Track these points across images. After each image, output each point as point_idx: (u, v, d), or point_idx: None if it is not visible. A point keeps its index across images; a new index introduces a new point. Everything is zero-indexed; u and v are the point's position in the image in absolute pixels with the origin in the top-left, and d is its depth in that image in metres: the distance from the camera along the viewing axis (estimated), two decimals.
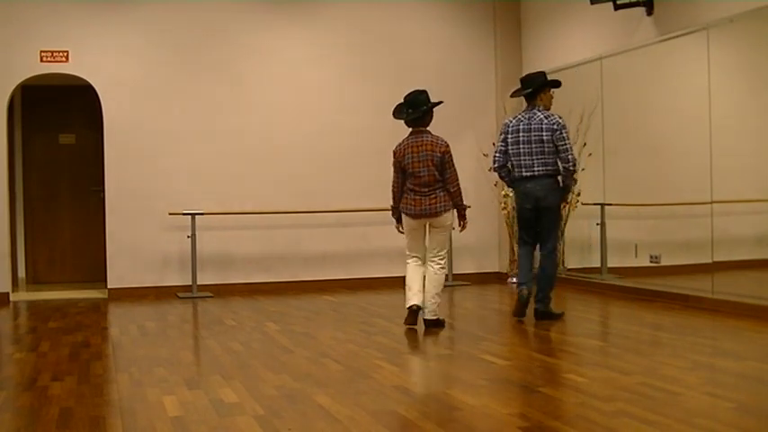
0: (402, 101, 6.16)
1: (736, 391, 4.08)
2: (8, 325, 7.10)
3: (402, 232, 6.26)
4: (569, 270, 8.70)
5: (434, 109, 6.20)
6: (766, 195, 6.47)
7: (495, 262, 9.57)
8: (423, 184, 6.02)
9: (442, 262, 6.16)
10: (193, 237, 8.40)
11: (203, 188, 8.73)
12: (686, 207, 7.34)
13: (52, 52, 8.40)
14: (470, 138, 9.34)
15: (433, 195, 6.01)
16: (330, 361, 4.97)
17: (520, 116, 6.42)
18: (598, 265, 8.32)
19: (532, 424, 3.52)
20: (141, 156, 8.62)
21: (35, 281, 9.80)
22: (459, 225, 6.31)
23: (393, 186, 6.22)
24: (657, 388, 4.07)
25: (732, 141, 6.81)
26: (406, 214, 6.12)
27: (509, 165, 6.46)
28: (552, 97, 6.52)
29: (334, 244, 9.13)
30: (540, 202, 6.32)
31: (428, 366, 5.12)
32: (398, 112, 6.16)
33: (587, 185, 8.32)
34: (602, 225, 8.25)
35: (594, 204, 8.28)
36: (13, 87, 8.43)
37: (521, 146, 6.32)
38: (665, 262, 7.52)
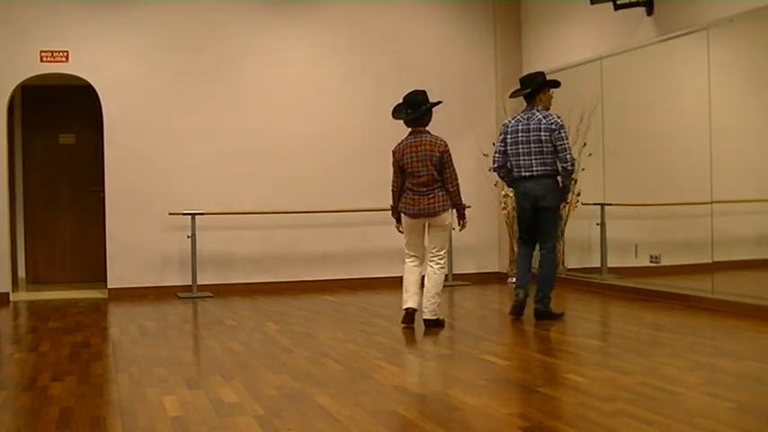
0: (401, 101, 6.17)
1: (736, 391, 4.08)
2: (8, 325, 7.10)
3: (402, 232, 6.27)
4: (569, 270, 8.70)
5: (434, 109, 6.22)
6: (766, 195, 6.47)
7: (495, 262, 9.57)
8: (421, 183, 6.03)
9: (442, 262, 6.16)
10: (193, 237, 8.40)
11: (203, 188, 8.74)
12: (686, 207, 7.34)
13: (52, 52, 8.40)
14: (470, 138, 9.34)
15: (432, 195, 6.01)
16: (330, 361, 4.97)
17: (519, 116, 6.44)
18: (598, 265, 8.32)
19: (532, 424, 3.52)
20: (141, 156, 8.62)
21: (35, 281, 9.80)
22: (459, 225, 6.31)
23: (392, 186, 6.24)
24: (657, 388, 4.07)
25: (732, 141, 6.81)
26: (405, 214, 6.13)
27: (508, 165, 6.47)
28: (552, 97, 6.53)
29: (334, 244, 9.13)
30: (538, 201, 6.33)
31: (428, 366, 5.12)
32: (397, 112, 6.18)
33: (587, 185, 8.32)
34: (602, 225, 8.25)
35: (594, 204, 8.28)
36: (13, 87, 8.44)
37: (520, 146, 6.33)
38: (665, 262, 7.52)
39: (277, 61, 9.03)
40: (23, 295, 8.87)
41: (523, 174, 6.35)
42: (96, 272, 9.43)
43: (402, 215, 6.19)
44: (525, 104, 6.48)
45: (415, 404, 4.00)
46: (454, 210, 6.17)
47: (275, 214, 8.86)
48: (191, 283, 8.46)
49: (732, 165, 6.77)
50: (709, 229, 6.89)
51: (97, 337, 6.12)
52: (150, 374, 4.68)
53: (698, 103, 6.95)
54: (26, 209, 9.78)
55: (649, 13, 7.42)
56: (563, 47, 8.84)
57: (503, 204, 9.09)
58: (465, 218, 6.28)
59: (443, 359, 5.28)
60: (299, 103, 9.05)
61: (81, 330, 6.39)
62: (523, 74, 8.82)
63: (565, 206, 8.12)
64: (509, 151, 6.43)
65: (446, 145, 6.03)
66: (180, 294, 8.49)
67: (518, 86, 6.63)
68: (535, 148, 6.27)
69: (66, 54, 8.43)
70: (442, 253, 6.16)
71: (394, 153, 6.19)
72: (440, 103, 6.24)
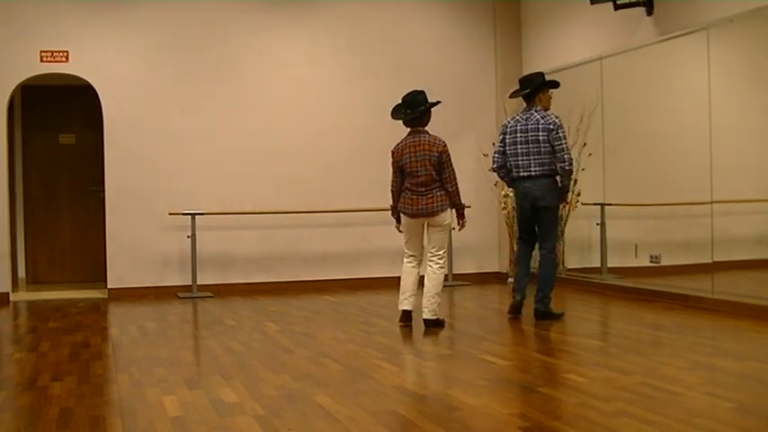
0: (400, 101, 6.19)
1: (736, 391, 4.08)
2: (8, 325, 7.10)
3: (402, 232, 6.28)
4: (569, 270, 8.70)
5: (434, 109, 6.23)
6: (766, 195, 6.47)
7: (495, 262, 9.57)
8: (420, 183, 6.04)
9: (441, 261, 6.16)
10: (193, 237, 8.40)
11: (203, 188, 8.74)
12: (686, 207, 7.34)
13: (52, 52, 8.40)
14: (470, 138, 9.35)
15: (430, 195, 6.02)
16: (330, 361, 4.97)
17: (518, 117, 6.46)
18: (598, 265, 8.32)
19: (532, 424, 3.52)
20: (141, 156, 8.62)
21: (35, 281, 9.80)
22: (458, 224, 6.32)
23: (391, 186, 6.26)
24: (657, 388, 4.07)
25: (732, 141, 6.81)
26: (404, 213, 6.15)
27: (508, 165, 6.49)
28: (551, 98, 6.54)
29: (334, 244, 9.13)
30: (537, 201, 6.35)
31: (428, 366, 5.12)
32: (396, 113, 6.20)
33: (587, 185, 8.32)
34: (602, 225, 8.25)
35: (594, 204, 8.28)
36: (13, 87, 8.44)
37: (518, 146, 6.36)
38: (665, 262, 7.52)
39: (277, 61, 9.03)
40: (23, 295, 8.87)
41: (522, 174, 6.37)
42: (96, 272, 9.43)
43: (401, 215, 6.20)
44: (525, 105, 6.49)
45: (415, 404, 4.00)
46: (454, 209, 6.18)
47: (275, 214, 8.86)
48: (191, 283, 8.46)
49: (732, 165, 6.77)
50: (710, 229, 6.89)
51: (97, 337, 6.12)
52: (150, 374, 4.68)
53: (698, 103, 6.95)
54: (26, 209, 9.78)
55: (649, 13, 7.42)
56: (563, 47, 8.84)
57: (503, 204, 9.09)
58: (464, 218, 6.28)
59: (443, 359, 5.28)
60: (299, 103, 9.05)
61: (81, 330, 6.39)
62: (523, 74, 8.83)
63: (565, 206, 8.13)
64: (508, 151, 6.45)
65: (445, 145, 6.04)
66: (180, 294, 8.49)
67: (518, 87, 6.65)
68: (533, 148, 6.28)
69: (66, 54, 8.43)
70: (441, 253, 6.16)
71: (393, 153, 6.20)
72: (438, 103, 6.24)
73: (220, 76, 8.85)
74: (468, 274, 9.36)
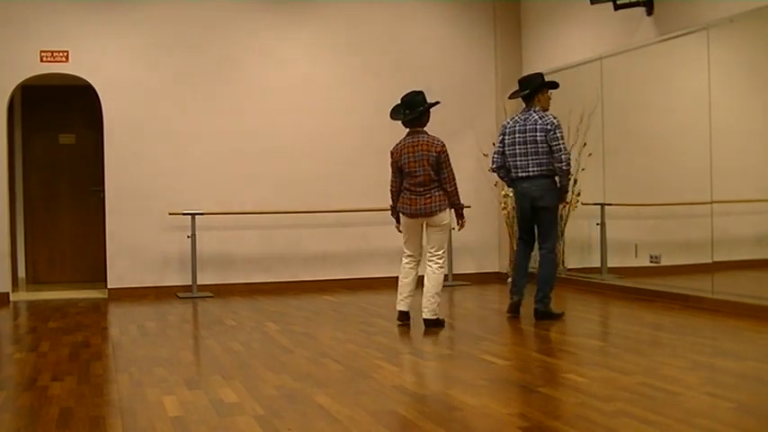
0: (399, 102, 6.21)
1: (736, 391, 4.08)
2: (8, 325, 7.10)
3: (401, 232, 6.29)
4: (569, 270, 8.70)
5: (434, 109, 6.25)
6: (766, 195, 6.47)
7: (495, 262, 9.57)
8: (418, 183, 6.05)
9: (441, 261, 6.16)
10: (193, 237, 8.40)
11: (203, 188, 8.74)
12: (686, 207, 7.33)
13: (52, 52, 8.40)
14: (470, 138, 9.35)
15: (429, 195, 6.04)
16: (330, 361, 4.97)
17: (516, 117, 6.49)
18: (598, 265, 8.32)
19: (532, 424, 3.52)
20: (141, 156, 8.62)
21: (35, 281, 9.80)
22: (458, 224, 6.33)
23: (391, 186, 6.28)
24: (657, 388, 4.07)
25: (732, 141, 6.81)
26: (403, 213, 6.18)
27: (507, 165, 6.51)
28: (550, 98, 6.56)
29: (334, 244, 9.13)
30: (535, 202, 6.38)
31: (428, 366, 5.12)
32: (395, 113, 6.23)
33: (587, 185, 8.33)
34: (602, 225, 8.25)
35: (594, 204, 8.28)
36: (13, 87, 8.43)
37: (516, 147, 6.39)
38: (665, 262, 7.52)
39: (277, 61, 9.03)
40: (23, 295, 8.87)
41: (520, 174, 6.40)
42: (96, 272, 9.44)
43: (400, 215, 6.22)
44: (524, 105, 6.51)
45: (415, 404, 4.00)
46: (453, 209, 6.19)
47: (275, 214, 8.86)
48: (191, 283, 8.46)
49: (732, 165, 6.77)
50: (710, 229, 6.89)
51: (97, 337, 6.12)
52: (150, 374, 4.68)
53: (698, 103, 6.95)
54: (26, 209, 9.78)
55: (649, 13, 7.42)
56: (563, 47, 8.84)
57: (503, 204, 9.09)
58: (463, 217, 6.29)
59: (443, 359, 5.28)
60: (299, 103, 9.05)
61: (81, 330, 6.39)
62: (523, 74, 8.85)
63: (565, 206, 8.14)
64: (507, 152, 6.48)
65: (443, 145, 6.05)
66: (180, 294, 8.49)
67: (517, 87, 6.67)
68: (531, 148, 6.31)
69: (66, 54, 8.43)
70: (440, 253, 6.16)
71: (392, 153, 6.22)
72: (437, 103, 6.25)
73: (220, 76, 8.85)
74: (468, 274, 9.36)
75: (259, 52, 8.97)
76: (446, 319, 6.32)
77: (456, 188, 6.10)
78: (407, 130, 6.21)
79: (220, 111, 8.83)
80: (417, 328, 6.13)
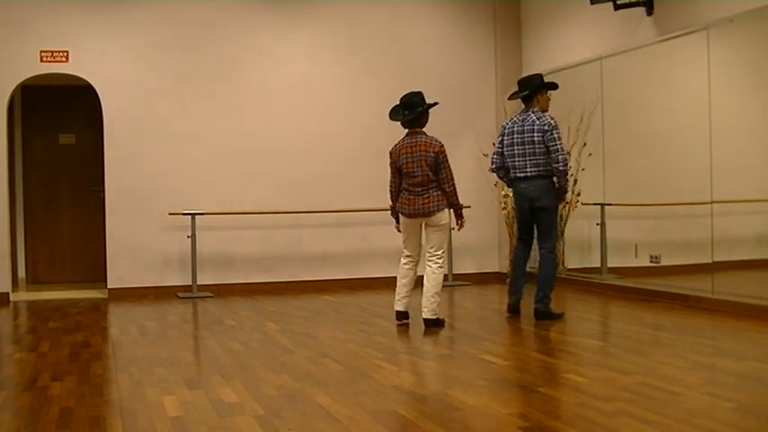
0: (398, 102, 6.23)
1: (736, 391, 4.08)
2: (8, 325, 7.10)
3: (401, 231, 6.32)
4: (569, 270, 8.70)
5: (434, 109, 6.26)
6: (766, 195, 6.47)
7: (495, 262, 9.57)
8: (416, 184, 6.07)
9: (440, 261, 6.17)
10: (193, 237, 8.40)
11: (203, 188, 8.74)
12: (686, 207, 7.34)
13: (52, 52, 8.40)
14: (470, 138, 9.35)
15: (427, 195, 6.05)
16: (330, 361, 4.97)
17: (515, 118, 6.53)
18: (598, 265, 8.32)
19: (532, 424, 3.52)
20: (141, 156, 8.62)
21: (35, 281, 9.80)
22: (457, 225, 6.34)
23: (390, 187, 6.32)
24: (657, 388, 4.07)
25: (732, 141, 6.81)
26: (402, 213, 6.21)
27: (506, 166, 6.54)
28: (549, 99, 6.58)
29: (334, 244, 9.13)
30: (534, 202, 6.41)
31: (428, 366, 5.12)
32: (394, 114, 6.25)
33: (587, 185, 8.33)
34: (602, 225, 8.25)
35: (594, 204, 8.28)
36: (13, 87, 8.43)
37: (515, 147, 6.43)
38: (665, 262, 7.52)
39: (277, 61, 9.03)
40: (23, 295, 8.87)
41: (518, 175, 6.45)
42: (96, 272, 9.44)
43: (399, 215, 6.24)
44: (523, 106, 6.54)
45: (415, 404, 4.00)
46: (452, 209, 6.20)
47: (275, 214, 8.86)
48: (191, 283, 8.46)
49: (732, 165, 6.77)
50: (710, 229, 6.89)
51: (97, 337, 6.12)
52: (150, 374, 4.68)
53: (698, 103, 6.95)
54: (26, 209, 9.79)
55: (649, 13, 7.42)
56: (563, 47, 8.84)
57: (503, 204, 9.09)
58: (463, 217, 6.30)
59: (443, 359, 5.28)
60: (299, 103, 9.05)
61: (81, 330, 6.39)
62: (523, 74, 8.86)
63: (565, 206, 8.15)
64: (506, 152, 6.53)
65: (441, 146, 6.06)
66: (180, 294, 8.49)
67: (517, 88, 6.69)
68: (528, 149, 6.35)
69: (66, 54, 8.43)
70: (440, 252, 6.17)
71: (391, 154, 6.25)
72: (436, 104, 6.27)
73: (220, 76, 8.85)
74: (468, 274, 9.37)
75: (259, 52, 8.97)
76: (446, 319, 6.32)
77: (454, 188, 6.11)
78: (406, 130, 6.22)
79: (220, 111, 8.84)
80: (417, 328, 6.13)
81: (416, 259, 6.30)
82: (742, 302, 6.49)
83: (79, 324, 6.73)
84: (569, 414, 3.71)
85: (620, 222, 8.18)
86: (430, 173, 6.04)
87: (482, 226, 9.33)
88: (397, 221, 6.32)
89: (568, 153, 8.27)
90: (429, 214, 6.07)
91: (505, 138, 6.52)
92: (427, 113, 6.21)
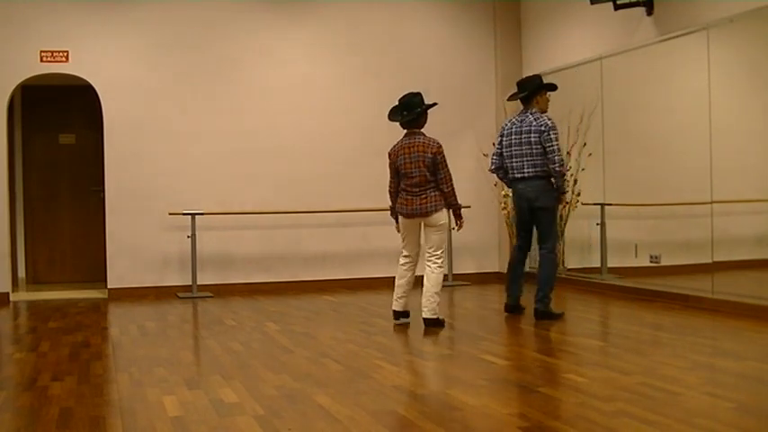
0: (397, 103, 6.24)
1: (736, 391, 4.08)
2: (8, 325, 7.10)
3: (399, 232, 6.34)
4: (569, 270, 8.70)
5: (434, 109, 6.28)
6: (766, 195, 6.47)
7: (495, 262, 9.56)
8: (414, 184, 6.09)
9: (439, 261, 6.18)
10: (193, 237, 8.40)
11: (203, 188, 8.74)
12: (686, 207, 7.34)
13: (52, 52, 8.40)
14: (470, 138, 9.35)
15: (424, 195, 6.07)
16: (330, 361, 4.97)
17: (514, 119, 6.57)
18: (598, 265, 8.32)
19: (532, 424, 3.52)
20: (141, 156, 8.62)
21: (35, 281, 9.80)
22: (456, 225, 6.36)
23: (389, 187, 6.35)
24: (657, 388, 4.07)
25: (732, 141, 6.81)
26: (400, 214, 6.25)
27: (505, 166, 6.56)
28: (548, 100, 6.60)
29: (334, 244, 9.13)
30: (532, 203, 6.44)
31: (428, 366, 5.12)
32: (393, 115, 6.28)
33: (587, 185, 8.33)
34: (602, 225, 8.24)
35: (594, 204, 8.28)
36: (13, 87, 8.43)
37: (513, 148, 6.46)
38: (665, 262, 7.52)
39: (277, 61, 9.03)
40: (23, 295, 8.87)
41: (516, 175, 6.49)
42: (96, 272, 9.44)
43: (398, 215, 6.25)
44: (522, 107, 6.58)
45: (415, 404, 4.00)
46: (450, 209, 6.21)
47: (275, 214, 8.86)
48: (191, 283, 8.46)
49: (732, 165, 6.77)
50: (710, 229, 6.89)
51: (97, 337, 6.12)
52: (150, 374, 4.68)
53: (698, 103, 6.95)
54: (26, 209, 9.78)
55: (649, 13, 7.42)
56: (563, 47, 8.84)
57: (503, 204, 9.09)
58: (461, 218, 6.31)
59: (443, 359, 5.28)
60: (299, 103, 9.05)
61: (81, 330, 6.39)
62: (523, 74, 8.87)
63: (565, 206, 8.15)
64: (504, 153, 6.56)
65: (439, 146, 6.07)
66: (180, 294, 8.49)
67: (516, 89, 6.72)
68: (526, 150, 6.38)
69: (66, 54, 8.43)
70: (439, 252, 6.18)
71: (389, 155, 6.28)
72: (435, 104, 6.27)
73: (220, 76, 8.85)
74: (468, 274, 9.36)
75: (259, 52, 8.97)
76: (446, 319, 6.32)
77: (453, 189, 6.13)
78: (405, 131, 6.23)
79: (220, 111, 8.84)
80: (417, 328, 6.13)
81: (415, 260, 6.32)
82: (742, 302, 6.49)
83: (79, 324, 6.73)
84: (569, 414, 3.72)
85: (620, 222, 8.18)
86: (427, 173, 6.05)
87: (482, 226, 9.33)
88: (397, 222, 6.33)
89: (568, 153, 8.30)
90: (426, 214, 6.08)
91: (504, 138, 6.55)
92: (426, 114, 6.23)
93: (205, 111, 8.79)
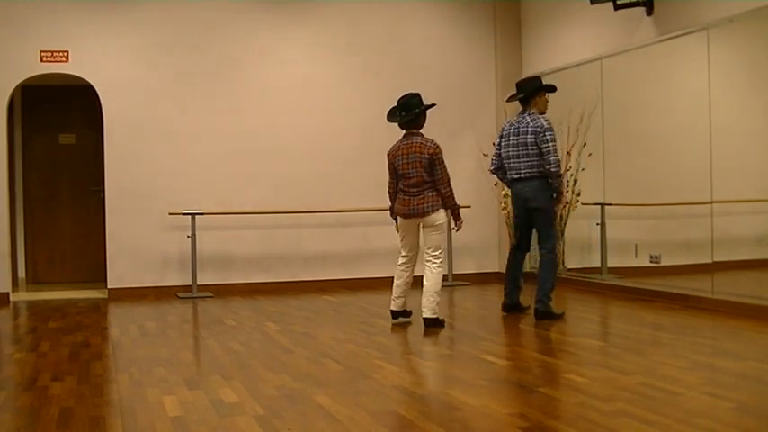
0: (396, 104, 6.25)
1: (736, 391, 4.08)
2: (8, 325, 7.10)
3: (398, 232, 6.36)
4: (569, 270, 8.70)
5: (434, 109, 6.29)
6: (766, 195, 6.47)
7: (495, 262, 9.56)
8: (411, 185, 6.11)
9: (438, 261, 6.18)
10: (193, 237, 8.40)
11: (203, 188, 8.74)
12: (686, 207, 7.34)
13: (52, 52, 8.40)
14: (470, 138, 9.35)
15: (421, 196, 6.08)
16: (330, 361, 4.97)
17: (512, 120, 6.62)
18: (598, 265, 8.32)
19: (532, 424, 3.52)
20: (141, 156, 8.62)
21: (35, 281, 9.80)
22: (455, 225, 6.37)
23: (389, 188, 6.38)
24: (657, 388, 4.07)
25: (732, 141, 6.81)
26: (398, 214, 6.27)
27: (504, 167, 6.59)
28: (547, 101, 6.61)
29: (334, 244, 9.13)
30: (528, 203, 6.47)
31: (428, 366, 5.12)
32: (392, 116, 6.31)
33: (587, 185, 8.33)
34: (602, 225, 8.24)
35: (594, 204, 8.28)
36: (13, 87, 8.44)
37: (510, 149, 6.49)
38: (665, 262, 7.52)
39: (277, 61, 9.03)
40: (23, 295, 8.87)
41: (513, 176, 6.52)
42: (96, 272, 9.44)
43: (397, 215, 6.26)
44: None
45: (415, 404, 4.00)
46: (448, 210, 6.22)
47: (275, 214, 8.86)
48: (191, 283, 8.46)
49: (732, 165, 6.77)
50: (710, 229, 6.89)
51: (97, 337, 6.12)
52: (150, 374, 4.68)
53: (698, 103, 6.95)
54: (26, 209, 9.78)
55: (649, 13, 7.42)
56: (563, 47, 8.84)
57: (503, 204, 9.09)
58: (460, 218, 6.32)
59: (443, 359, 5.28)
60: (299, 103, 9.05)
61: (81, 330, 6.39)
62: (523, 74, 8.88)
63: (565, 206, 8.16)
64: (502, 154, 6.58)
65: (436, 147, 6.09)
66: (180, 294, 8.49)
67: (515, 90, 6.74)
68: (522, 150, 6.41)
69: (66, 54, 8.43)
70: (437, 253, 6.18)
71: (388, 155, 6.31)
72: (433, 105, 6.28)
73: (220, 76, 8.85)
74: (468, 274, 9.36)
75: (259, 52, 8.97)
76: (446, 319, 6.32)
77: (450, 190, 6.13)
78: (404, 131, 6.25)
79: (220, 111, 8.84)
80: (417, 327, 6.13)
81: (413, 260, 6.33)
82: (742, 302, 6.49)
83: (79, 324, 6.73)
84: (569, 414, 3.72)
85: (620, 222, 8.18)
86: (424, 174, 6.07)
87: (482, 226, 9.33)
88: (397, 222, 6.34)
89: (568, 153, 8.31)
90: (423, 215, 6.10)
91: (503, 139, 6.59)
92: (424, 115, 6.24)
93: (205, 111, 8.79)
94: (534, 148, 6.34)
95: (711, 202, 6.86)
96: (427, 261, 6.18)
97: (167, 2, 8.72)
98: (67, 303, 8.08)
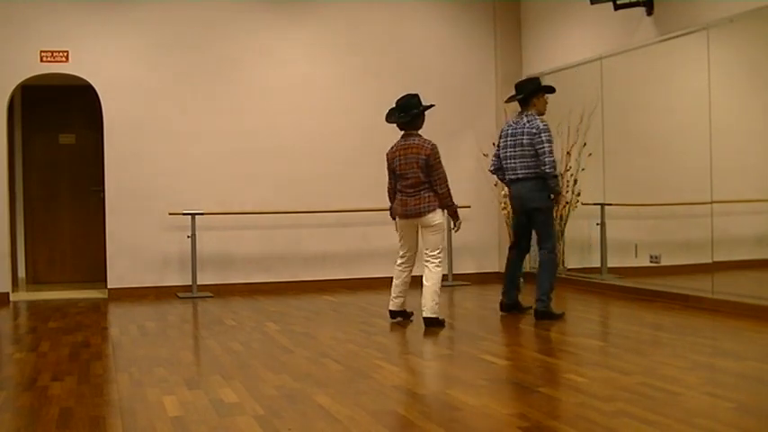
0: (394, 105, 6.26)
1: (736, 391, 4.08)
2: (8, 325, 7.10)
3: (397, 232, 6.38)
4: (569, 270, 8.70)
5: (434, 110, 6.31)
6: (766, 195, 6.47)
7: (495, 262, 9.56)
8: (409, 185, 6.13)
9: (437, 261, 6.19)
10: (193, 237, 8.40)
11: (203, 188, 8.74)
12: (686, 207, 7.34)
13: (52, 52, 8.40)
14: (470, 138, 9.34)
15: (418, 196, 6.10)
16: (330, 361, 4.97)
17: (511, 121, 6.65)
18: (598, 265, 8.32)
19: (532, 424, 3.52)
20: (141, 156, 8.62)
21: (35, 281, 9.80)
22: (453, 226, 6.39)
23: (388, 188, 6.41)
24: (657, 388, 4.07)
25: (732, 141, 6.81)
26: (396, 215, 6.29)
27: (503, 167, 6.62)
28: (546, 102, 6.63)
29: (334, 244, 9.13)
30: (526, 203, 6.49)
31: (428, 366, 5.12)
32: (390, 116, 6.31)
33: (587, 185, 8.33)
34: (602, 225, 8.24)
35: (594, 204, 8.28)
36: (13, 87, 8.44)
37: (508, 150, 6.53)
38: (665, 262, 7.52)
39: (277, 61, 9.03)
40: (23, 295, 8.87)
41: (511, 177, 6.56)
42: (96, 272, 9.44)
43: (396, 216, 6.28)
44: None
45: (415, 404, 4.01)
46: (446, 210, 6.23)
47: (275, 214, 8.86)
48: (191, 283, 8.46)
49: (732, 165, 6.77)
50: (710, 229, 6.89)
51: (97, 337, 6.12)
52: (150, 374, 4.68)
53: (698, 103, 6.95)
54: (26, 209, 9.79)
55: (649, 13, 7.42)
56: (563, 47, 8.84)
57: (503, 204, 9.08)
58: (458, 218, 6.33)
59: (443, 359, 5.28)
60: (299, 103, 9.05)
61: (81, 330, 6.39)
62: (524, 74, 8.88)
63: (565, 206, 8.16)
64: (501, 155, 6.61)
65: (432, 148, 6.09)
66: (180, 294, 8.49)
67: (514, 91, 6.76)
68: (519, 151, 6.44)
69: (66, 54, 8.43)
70: (436, 252, 6.19)
71: (387, 156, 6.33)
72: (432, 106, 6.29)
73: (220, 76, 8.85)
74: (468, 274, 9.36)
75: (259, 52, 8.97)
76: (446, 319, 6.32)
77: (447, 190, 6.14)
78: (402, 132, 6.26)
79: (220, 111, 8.84)
80: (417, 327, 6.13)
81: (412, 260, 6.35)
82: (742, 302, 6.49)
83: (79, 324, 6.73)
84: (569, 414, 3.72)
85: (620, 222, 8.18)
86: (421, 174, 6.08)
87: (482, 226, 9.33)
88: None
89: (568, 153, 8.32)
90: (420, 215, 6.11)
91: (502, 140, 6.62)
92: (423, 115, 6.25)
93: (205, 111, 8.79)
94: (531, 149, 6.35)
95: (711, 202, 6.86)
96: (426, 261, 6.19)
97: (167, 2, 8.72)
98: (67, 303, 8.08)
